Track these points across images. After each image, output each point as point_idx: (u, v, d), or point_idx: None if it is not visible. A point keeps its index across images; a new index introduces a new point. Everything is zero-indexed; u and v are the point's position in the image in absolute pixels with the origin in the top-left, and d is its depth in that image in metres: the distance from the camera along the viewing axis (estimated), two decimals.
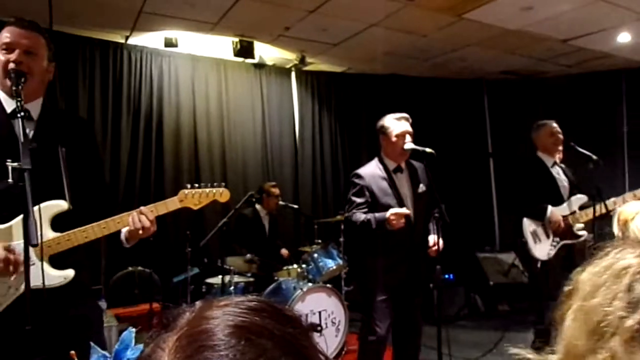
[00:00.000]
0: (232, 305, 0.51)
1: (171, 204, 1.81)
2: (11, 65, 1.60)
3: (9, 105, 1.65)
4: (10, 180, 1.44)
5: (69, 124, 1.79)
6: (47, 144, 1.62)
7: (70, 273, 1.63)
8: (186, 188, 1.85)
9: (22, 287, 1.44)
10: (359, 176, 2.84)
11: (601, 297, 0.68)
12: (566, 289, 0.76)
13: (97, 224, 1.67)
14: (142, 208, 1.72)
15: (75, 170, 1.66)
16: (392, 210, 2.61)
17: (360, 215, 2.74)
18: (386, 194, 2.79)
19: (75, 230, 1.65)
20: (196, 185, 1.87)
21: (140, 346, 0.57)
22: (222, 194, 1.90)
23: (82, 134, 1.84)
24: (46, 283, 1.57)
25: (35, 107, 1.68)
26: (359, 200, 2.79)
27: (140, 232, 1.70)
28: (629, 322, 0.63)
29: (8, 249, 1.54)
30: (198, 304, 0.53)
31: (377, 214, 2.69)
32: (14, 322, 1.50)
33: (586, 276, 0.73)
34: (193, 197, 1.84)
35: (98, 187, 1.86)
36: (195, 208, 1.86)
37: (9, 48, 1.63)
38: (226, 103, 5.54)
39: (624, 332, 0.63)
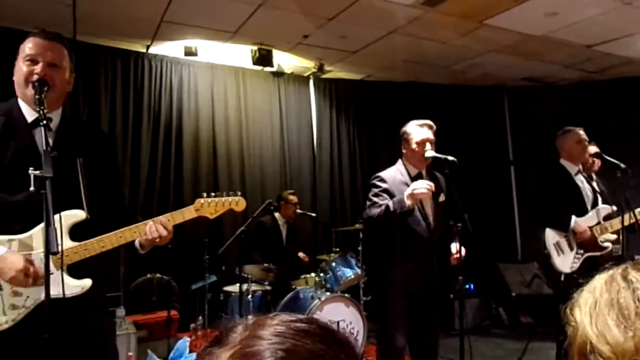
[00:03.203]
0: (284, 326, 0.50)
1: (187, 213, 1.80)
2: (35, 77, 1.62)
3: (30, 115, 1.66)
4: (32, 188, 1.45)
5: (88, 135, 1.79)
6: (66, 153, 1.63)
7: (87, 283, 1.63)
8: (202, 197, 1.84)
9: (42, 295, 1.44)
10: (382, 179, 2.80)
11: (610, 291, 0.70)
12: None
13: (113, 234, 1.68)
14: (160, 217, 1.72)
15: (93, 181, 1.66)
16: (413, 186, 2.55)
17: (376, 209, 2.68)
18: None
19: (93, 239, 1.65)
20: (212, 194, 1.86)
21: (193, 355, 0.57)
22: (238, 203, 1.89)
23: (102, 146, 1.85)
24: (65, 292, 1.57)
25: (55, 117, 1.69)
26: (380, 202, 2.73)
27: (157, 240, 1.69)
28: None
29: (27, 260, 1.54)
30: (251, 319, 0.53)
31: (395, 198, 2.64)
32: (31, 330, 1.50)
33: (590, 285, 0.75)
34: (209, 206, 1.84)
35: (115, 198, 1.87)
36: (211, 217, 1.86)
37: (33, 60, 1.64)
38: (245, 111, 5.57)
39: None
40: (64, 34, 1.78)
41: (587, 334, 0.67)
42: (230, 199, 1.87)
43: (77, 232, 1.64)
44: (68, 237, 1.61)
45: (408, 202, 2.52)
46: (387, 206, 2.61)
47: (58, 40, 1.71)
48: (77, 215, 1.62)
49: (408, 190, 2.54)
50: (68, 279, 1.60)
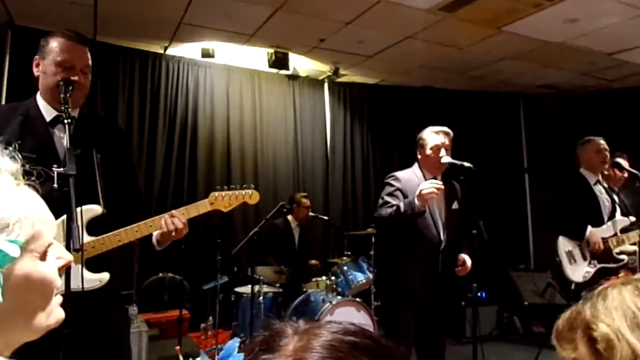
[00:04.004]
0: (337, 340, 0.49)
1: (202, 207, 1.81)
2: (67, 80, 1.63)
3: (49, 114, 1.69)
4: (55, 185, 1.47)
5: (105, 131, 1.81)
6: (83, 149, 1.65)
7: (105, 276, 1.64)
8: (216, 190, 1.85)
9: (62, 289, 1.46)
10: (396, 178, 2.78)
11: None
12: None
13: (129, 228, 1.69)
14: (173, 211, 1.73)
15: (110, 176, 1.67)
16: (425, 184, 2.50)
17: (388, 209, 2.65)
18: None
19: (109, 234, 1.67)
20: (226, 187, 1.88)
21: (241, 356, 0.56)
22: (251, 196, 1.91)
23: (118, 142, 1.86)
24: (84, 286, 1.60)
25: (75, 113, 1.71)
26: (392, 201, 2.70)
27: (173, 234, 1.70)
28: None
29: None
30: (301, 325, 0.52)
31: (406, 199, 2.62)
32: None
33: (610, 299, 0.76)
34: (223, 199, 1.85)
35: (131, 193, 1.88)
36: (225, 210, 1.87)
37: (70, 66, 1.65)
38: (259, 113, 5.60)
39: None
40: (84, 34, 1.81)
41: (635, 347, 0.65)
42: (243, 192, 1.89)
43: (94, 226, 1.65)
44: (85, 231, 1.63)
45: (418, 203, 2.49)
46: (398, 207, 2.58)
47: (87, 44, 1.74)
48: (94, 210, 1.63)
49: (418, 192, 2.50)
50: (87, 273, 1.61)
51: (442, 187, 2.51)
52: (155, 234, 1.75)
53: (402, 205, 2.57)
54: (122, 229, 1.68)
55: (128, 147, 2.01)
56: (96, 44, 4.70)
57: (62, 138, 1.68)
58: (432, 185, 2.46)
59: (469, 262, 2.72)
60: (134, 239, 1.71)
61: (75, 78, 1.65)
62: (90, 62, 1.73)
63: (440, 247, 2.70)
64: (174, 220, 1.70)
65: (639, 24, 4.03)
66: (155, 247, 1.79)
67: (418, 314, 2.71)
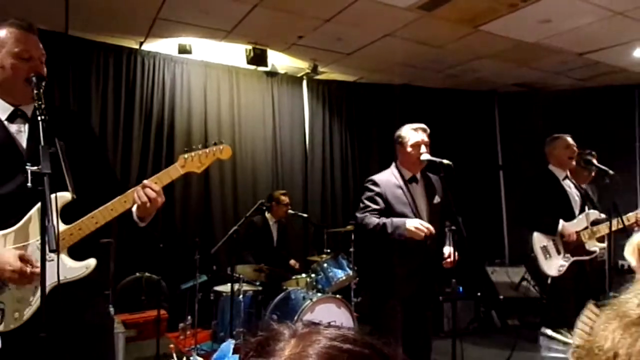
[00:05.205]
0: (335, 348, 0.47)
1: (174, 172, 1.74)
2: (32, 73, 1.57)
3: (4, 110, 1.62)
4: (29, 184, 1.42)
5: (62, 118, 1.73)
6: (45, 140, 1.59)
7: (92, 262, 1.60)
8: (185, 152, 1.77)
9: (48, 286, 1.40)
10: (375, 183, 2.79)
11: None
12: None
13: (104, 207, 1.64)
14: (145, 181, 1.66)
15: (77, 162, 1.60)
16: (417, 222, 2.58)
17: (373, 219, 2.68)
18: (401, 202, 2.74)
19: (85, 217, 1.62)
20: (194, 147, 1.79)
21: (235, 357, 0.54)
22: (222, 151, 1.81)
23: (78, 126, 1.79)
24: (69, 275, 1.56)
25: (30, 108, 1.65)
26: (373, 205, 2.73)
27: (148, 205, 1.64)
28: None
29: (23, 258, 1.50)
30: (299, 329, 0.50)
31: (395, 219, 2.63)
32: (36, 327, 1.48)
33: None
34: (193, 160, 1.76)
35: (103, 174, 1.82)
36: (199, 171, 1.79)
37: (28, 58, 1.59)
38: (237, 110, 5.54)
39: None
40: (54, 28, 1.74)
41: None
42: (214, 148, 1.79)
43: (68, 214, 1.60)
44: (60, 220, 1.57)
45: (406, 234, 2.56)
46: (385, 226, 2.62)
47: (37, 32, 1.66)
48: (64, 197, 1.56)
49: (411, 225, 2.56)
50: (71, 262, 1.57)
51: (433, 231, 2.60)
52: (134, 210, 1.69)
53: (389, 227, 2.61)
54: (97, 210, 1.63)
55: (90, 129, 1.92)
56: (68, 39, 4.57)
57: (23, 133, 1.63)
58: (424, 230, 2.55)
59: (455, 254, 2.75)
60: (111, 218, 1.65)
61: (37, 67, 1.59)
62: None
63: (426, 242, 2.73)
64: (147, 190, 1.64)
65: (609, 26, 4.15)
66: (139, 225, 1.73)
67: (406, 311, 2.74)
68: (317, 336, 0.48)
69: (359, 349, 0.48)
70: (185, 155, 1.76)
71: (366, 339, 0.49)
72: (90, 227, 1.62)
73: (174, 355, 2.93)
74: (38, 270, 1.39)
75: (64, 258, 1.56)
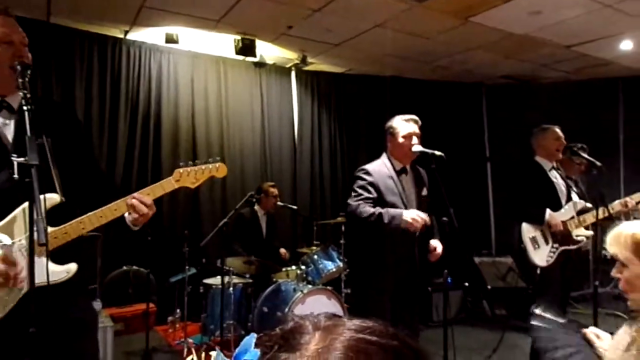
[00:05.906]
0: (362, 341, 0.45)
1: (167, 185, 1.72)
2: (15, 60, 1.49)
3: None
4: (16, 176, 1.36)
5: (47, 111, 1.65)
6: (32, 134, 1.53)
7: (72, 267, 1.55)
8: (180, 167, 1.75)
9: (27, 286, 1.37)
10: (367, 172, 2.79)
11: None
12: None
13: (93, 214, 1.59)
14: (135, 194, 1.63)
15: (65, 160, 1.56)
16: (414, 213, 2.58)
17: (368, 208, 2.68)
18: (392, 192, 2.75)
19: (72, 222, 1.57)
20: (190, 162, 1.77)
21: (257, 352, 0.51)
22: (218, 169, 1.79)
23: (63, 118, 1.73)
24: (50, 279, 1.49)
25: (16, 99, 1.58)
26: (366, 194, 2.73)
27: (140, 219, 1.62)
28: None
29: (6, 260, 1.45)
30: (322, 321, 0.48)
31: (390, 210, 2.64)
32: (16, 323, 1.44)
33: None
34: (189, 175, 1.74)
35: (93, 176, 1.77)
36: (192, 187, 1.77)
37: (9, 42, 1.52)
38: (225, 101, 5.47)
39: None
40: (35, 15, 1.67)
41: None
42: (210, 165, 1.77)
43: (55, 216, 1.54)
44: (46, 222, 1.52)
45: (402, 225, 2.57)
46: (381, 215, 2.62)
47: (14, 17, 1.59)
48: (52, 198, 1.51)
49: (408, 215, 2.57)
50: (53, 266, 1.52)
51: (428, 222, 2.64)
52: (126, 216, 1.66)
53: (385, 217, 2.61)
54: (86, 215, 1.58)
55: (77, 123, 1.85)
56: (50, 27, 4.44)
57: (7, 124, 1.57)
58: (420, 221, 2.57)
59: (439, 248, 2.77)
60: (99, 225, 1.60)
61: (20, 52, 1.52)
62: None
63: (414, 234, 2.73)
64: (139, 206, 1.61)
65: (597, 18, 4.18)
66: (131, 228, 1.69)
67: (394, 302, 2.75)
68: (342, 329, 0.47)
69: (387, 340, 0.47)
70: (181, 170, 1.74)
71: (391, 330, 0.48)
72: (77, 232, 1.57)
73: (194, 353, 2.90)
74: (22, 274, 1.35)
75: (45, 261, 1.52)
